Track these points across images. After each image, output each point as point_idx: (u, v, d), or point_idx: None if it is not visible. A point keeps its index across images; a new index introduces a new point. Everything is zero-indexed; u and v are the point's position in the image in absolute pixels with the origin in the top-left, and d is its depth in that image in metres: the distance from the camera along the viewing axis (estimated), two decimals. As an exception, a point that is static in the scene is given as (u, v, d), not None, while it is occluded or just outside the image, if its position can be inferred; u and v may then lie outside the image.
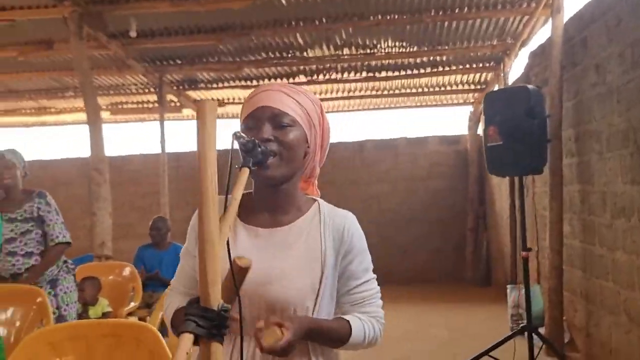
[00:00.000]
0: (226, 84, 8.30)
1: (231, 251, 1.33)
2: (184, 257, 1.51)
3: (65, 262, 3.59)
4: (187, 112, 9.46)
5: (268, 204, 1.45)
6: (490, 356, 4.15)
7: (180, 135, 11.66)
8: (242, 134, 1.23)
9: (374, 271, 1.50)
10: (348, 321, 1.41)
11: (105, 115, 9.60)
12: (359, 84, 8.49)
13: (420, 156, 9.48)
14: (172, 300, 1.47)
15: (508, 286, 5.93)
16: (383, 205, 9.49)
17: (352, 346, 1.43)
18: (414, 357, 5.09)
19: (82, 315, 4.05)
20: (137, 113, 9.42)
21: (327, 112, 6.85)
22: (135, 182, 9.80)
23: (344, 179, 9.47)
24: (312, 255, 1.40)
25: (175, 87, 8.28)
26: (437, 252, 9.24)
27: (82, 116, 9.72)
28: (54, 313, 3.34)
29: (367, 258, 1.50)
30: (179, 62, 7.30)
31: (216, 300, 0.83)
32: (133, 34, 5.72)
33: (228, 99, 9.12)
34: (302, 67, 7.62)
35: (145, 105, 9.23)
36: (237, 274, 1.17)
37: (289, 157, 1.38)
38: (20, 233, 3.40)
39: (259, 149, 1.27)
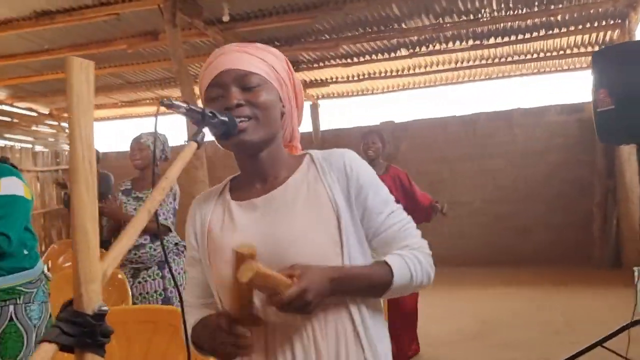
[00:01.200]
0: (327, 63, 8.18)
1: (233, 235, 1.23)
2: (189, 263, 1.37)
3: (176, 244, 3.63)
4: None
5: (256, 174, 1.30)
6: (605, 347, 3.70)
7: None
8: (177, 101, 1.07)
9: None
10: (385, 262, 1.21)
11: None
12: (465, 54, 7.98)
13: (538, 127, 8.77)
14: (189, 319, 1.25)
15: (635, 268, 5.29)
16: (498, 181, 8.93)
17: (400, 289, 1.23)
18: (521, 345, 4.71)
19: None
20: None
21: (433, 85, 6.50)
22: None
23: (456, 154, 9.05)
24: (320, 206, 1.23)
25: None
26: (559, 230, 8.53)
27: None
28: (160, 294, 3.44)
29: (383, 190, 1.31)
30: (277, 43, 7.28)
31: (90, 302, 0.68)
32: (226, 18, 5.76)
33: (331, 78, 9.01)
34: (402, 40, 7.30)
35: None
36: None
37: (266, 118, 1.22)
38: None
39: (219, 119, 1.12)
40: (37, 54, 7.22)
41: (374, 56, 7.89)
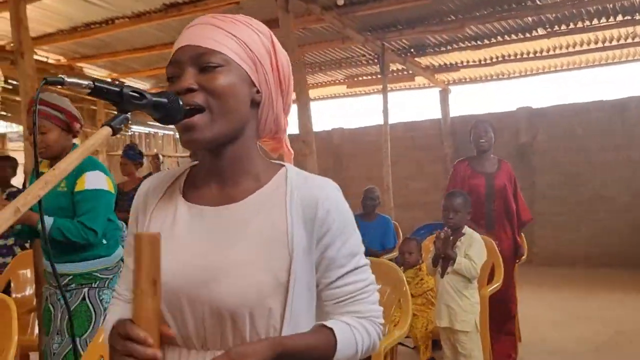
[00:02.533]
0: (455, 47, 7.71)
1: (167, 245, 1.01)
2: (126, 250, 1.21)
3: None
4: (420, 80, 9.12)
5: (214, 175, 1.10)
6: None
7: (412, 104, 11.30)
8: (72, 78, 0.90)
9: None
10: (332, 330, 1.04)
11: (340, 89, 9.87)
12: (612, 32, 7.08)
13: None
14: (110, 310, 1.16)
15: None
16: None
17: None
18: None
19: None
20: (361, 85, 9.36)
21: (575, 68, 5.71)
22: (365, 154, 9.79)
23: (598, 145, 8.15)
24: (274, 238, 1.02)
25: (401, 55, 7.99)
26: None
27: (323, 91, 10.20)
28: None
29: (352, 240, 1.10)
30: (399, 27, 6.98)
31: None
32: (340, 1, 5.61)
33: (461, 62, 8.51)
34: (537, 19, 6.64)
35: (365, 78, 9.12)
36: (146, 250, 0.89)
37: (223, 108, 1.01)
38: None
39: (150, 99, 0.94)
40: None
41: (506, 37, 7.28)
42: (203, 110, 1.00)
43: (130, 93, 0.92)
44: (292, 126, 5.76)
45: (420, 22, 6.80)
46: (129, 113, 0.94)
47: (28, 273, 3.64)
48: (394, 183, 7.99)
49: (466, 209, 3.28)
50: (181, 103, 0.97)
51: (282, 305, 1.01)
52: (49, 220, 2.48)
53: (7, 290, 3.96)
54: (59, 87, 0.90)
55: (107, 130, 0.91)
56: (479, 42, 7.46)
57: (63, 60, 8.36)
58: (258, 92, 1.07)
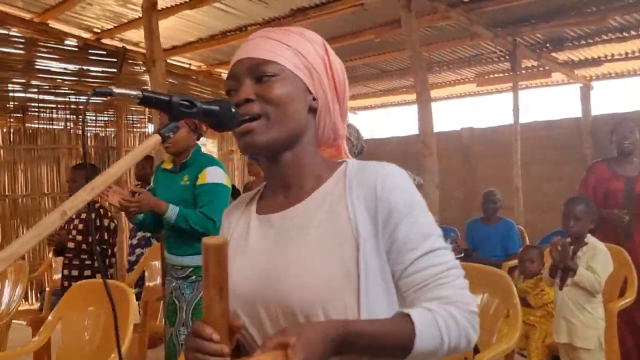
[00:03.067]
0: (597, 39, 7.14)
1: (241, 259, 1.09)
2: None
3: None
4: (558, 76, 8.55)
5: (279, 183, 1.12)
6: None
7: (550, 102, 10.59)
8: (121, 90, 0.94)
9: None
10: (409, 316, 0.94)
11: (470, 87, 9.55)
12: None
13: None
14: None
15: None
16: None
17: (425, 354, 0.95)
18: None
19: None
20: (491, 83, 8.96)
21: None
22: (496, 154, 9.36)
23: None
24: (338, 230, 1.01)
25: (535, 50, 7.55)
26: None
27: (452, 90, 9.95)
28: None
29: (424, 219, 1.03)
30: (533, 21, 6.61)
31: None
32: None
33: (605, 55, 7.85)
34: (693, 4, 5.96)
35: (496, 75, 8.71)
36: (213, 258, 0.92)
37: (280, 116, 1.03)
38: None
39: (202, 107, 0.97)
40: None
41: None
42: (259, 117, 1.03)
43: (180, 102, 0.96)
44: (413, 126, 5.70)
45: (557, 15, 6.37)
46: (180, 121, 0.99)
47: (157, 264, 3.96)
48: (526, 185, 7.60)
49: (589, 216, 3.02)
50: (234, 110, 1.01)
51: (356, 298, 0.97)
52: (174, 210, 2.71)
53: (143, 279, 4.34)
54: (108, 97, 0.96)
55: (156, 138, 0.95)
56: (625, 34, 6.84)
57: (204, 66, 8.95)
58: (314, 99, 1.08)
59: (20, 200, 7.06)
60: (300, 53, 1.06)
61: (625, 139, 3.74)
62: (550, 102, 10.68)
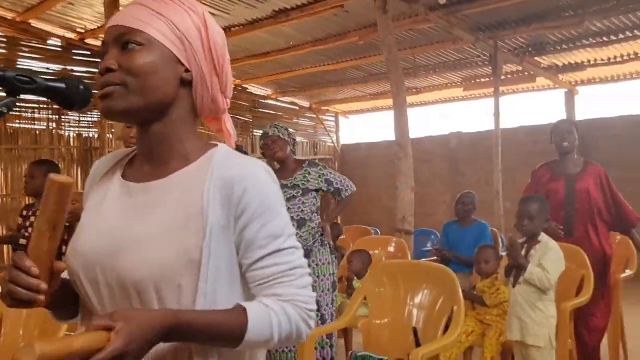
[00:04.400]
0: (578, 44, 7.16)
1: (92, 219, 1.09)
2: None
3: (321, 235, 3.61)
4: (543, 81, 8.57)
5: (145, 153, 1.10)
6: None
7: (535, 107, 10.58)
8: None
9: None
10: (245, 309, 0.99)
11: (457, 92, 9.55)
12: None
13: None
14: None
15: None
16: None
17: (256, 344, 1.01)
18: None
19: (347, 290, 4.10)
20: (477, 88, 8.98)
21: None
22: (483, 159, 9.36)
23: None
24: (189, 216, 1.01)
25: (518, 55, 7.57)
26: None
27: (439, 94, 9.95)
28: None
29: (277, 221, 1.05)
30: (514, 25, 6.63)
31: None
32: (442, 0, 5.45)
33: (588, 61, 7.87)
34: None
35: (482, 80, 8.71)
36: (54, 194, 0.91)
37: (140, 86, 1.01)
38: (286, 199, 3.61)
39: (43, 84, 0.97)
40: (285, 51, 7.85)
41: (636, 32, 6.63)
42: (119, 85, 1.01)
43: (16, 76, 0.95)
44: (390, 130, 5.70)
45: (537, 18, 6.40)
46: (17, 96, 0.97)
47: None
48: (510, 190, 7.59)
49: (543, 215, 3.02)
50: (82, 88, 1.01)
51: (195, 284, 0.98)
52: None
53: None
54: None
55: None
56: (605, 39, 6.88)
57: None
58: (187, 71, 1.06)
59: (0, 200, 7.06)
60: (172, 23, 1.04)
61: (564, 140, 3.77)
62: (536, 107, 10.66)
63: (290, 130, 3.84)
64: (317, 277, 3.52)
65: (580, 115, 8.84)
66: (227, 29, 7.16)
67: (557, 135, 3.79)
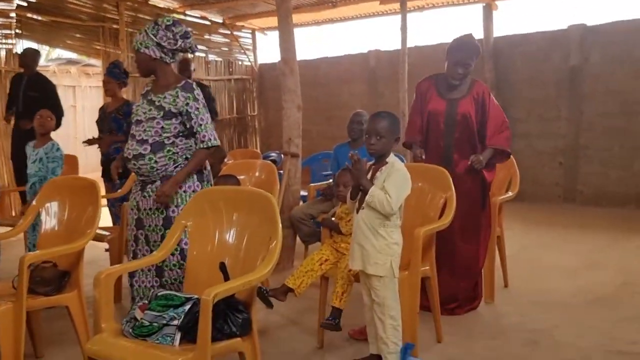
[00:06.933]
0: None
1: None
2: None
3: (186, 159, 3.06)
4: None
5: None
6: None
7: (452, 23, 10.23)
8: None
9: None
10: None
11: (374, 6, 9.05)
12: None
13: None
14: None
15: None
16: None
17: None
18: None
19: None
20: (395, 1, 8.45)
21: None
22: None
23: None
24: None
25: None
26: None
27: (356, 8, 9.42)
28: (161, 212, 3.02)
29: None
30: None
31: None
32: None
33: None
34: None
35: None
36: None
37: None
38: (147, 118, 3.12)
39: None
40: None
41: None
42: None
43: None
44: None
45: None
46: None
47: None
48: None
49: (393, 134, 2.69)
50: None
51: None
52: None
53: None
54: None
55: None
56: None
57: None
58: None
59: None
60: None
61: (460, 65, 3.43)
62: (454, 23, 10.28)
63: (164, 33, 3.02)
64: (176, 206, 3.06)
65: (499, 31, 8.54)
66: None
67: (454, 59, 3.44)
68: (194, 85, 3.07)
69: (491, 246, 3.81)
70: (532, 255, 5.17)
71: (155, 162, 3.00)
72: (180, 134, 3.04)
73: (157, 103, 3.05)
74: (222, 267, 2.18)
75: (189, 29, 3.13)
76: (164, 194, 2.92)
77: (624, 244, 5.49)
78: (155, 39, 3.00)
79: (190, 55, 5.53)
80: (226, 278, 2.16)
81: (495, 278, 3.94)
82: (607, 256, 5.05)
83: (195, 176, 3.08)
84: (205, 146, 3.02)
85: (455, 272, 3.53)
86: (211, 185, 3.22)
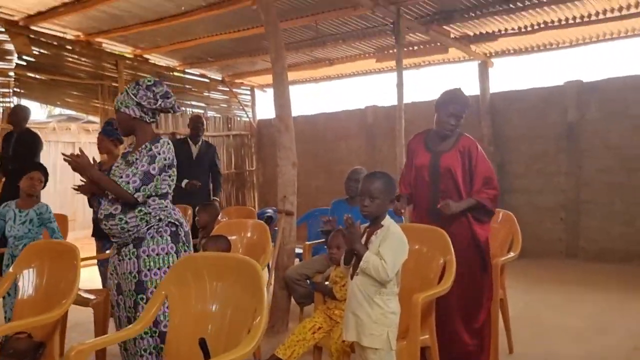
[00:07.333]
0: (485, 11, 6.79)
1: None
2: None
3: (160, 220, 2.98)
4: (456, 52, 8.21)
5: None
6: None
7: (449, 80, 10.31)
8: None
9: None
10: None
11: (371, 64, 9.11)
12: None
13: None
14: None
15: None
16: None
17: None
18: None
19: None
20: (391, 59, 8.51)
21: (633, 35, 5.98)
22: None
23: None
24: None
25: (424, 23, 7.15)
26: None
27: (352, 66, 9.50)
28: (134, 277, 2.90)
29: None
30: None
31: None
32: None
33: (499, 30, 7.54)
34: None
35: (393, 51, 8.26)
36: None
37: None
38: (119, 176, 3.02)
39: None
40: (177, 17, 7.20)
41: (542, -1, 6.31)
42: None
43: None
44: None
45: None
46: None
47: None
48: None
49: (387, 195, 2.58)
50: None
51: None
52: None
53: None
54: None
55: None
56: (511, 6, 6.53)
57: (82, 35, 8.18)
58: None
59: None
60: None
61: (452, 118, 3.38)
62: (450, 79, 10.36)
63: (144, 90, 2.99)
64: (148, 270, 2.95)
65: (494, 87, 8.58)
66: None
67: (448, 111, 3.38)
68: (163, 140, 3.00)
69: (494, 310, 3.64)
70: (536, 316, 4.97)
71: (126, 222, 2.89)
72: (153, 194, 2.94)
73: (131, 161, 2.98)
74: (202, 343, 2.02)
75: (169, 90, 3.07)
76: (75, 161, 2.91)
77: (630, 304, 5.29)
78: (135, 99, 2.95)
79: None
80: (206, 356, 2.00)
81: (499, 343, 3.75)
82: (614, 318, 4.85)
83: (168, 237, 2.96)
84: (124, 183, 2.86)
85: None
86: (188, 246, 3.09)
